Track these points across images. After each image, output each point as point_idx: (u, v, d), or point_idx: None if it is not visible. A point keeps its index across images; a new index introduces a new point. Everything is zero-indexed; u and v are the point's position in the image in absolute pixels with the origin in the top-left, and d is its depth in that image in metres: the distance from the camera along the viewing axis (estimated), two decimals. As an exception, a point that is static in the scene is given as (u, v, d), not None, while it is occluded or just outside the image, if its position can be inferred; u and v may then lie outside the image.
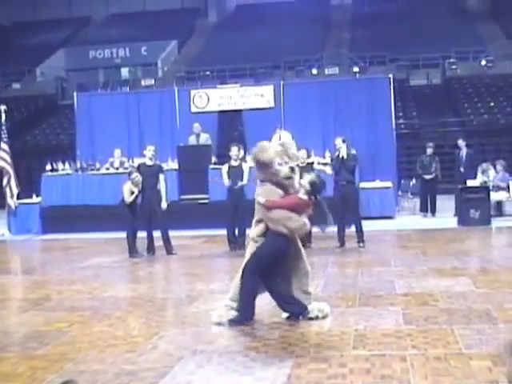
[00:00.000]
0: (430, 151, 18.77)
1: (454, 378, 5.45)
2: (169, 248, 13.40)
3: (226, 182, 13.31)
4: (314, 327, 7.25)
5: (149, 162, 13.47)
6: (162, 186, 13.34)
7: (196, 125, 19.22)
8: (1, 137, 18.72)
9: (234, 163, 13.43)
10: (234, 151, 13.47)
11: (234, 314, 7.48)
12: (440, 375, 5.52)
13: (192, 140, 19.16)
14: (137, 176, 13.06)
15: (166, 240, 13.41)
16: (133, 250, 13.09)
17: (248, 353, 6.39)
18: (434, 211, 18.34)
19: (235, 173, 13.32)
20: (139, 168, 13.53)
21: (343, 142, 13.34)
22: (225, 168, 13.52)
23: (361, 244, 13.09)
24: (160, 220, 13.32)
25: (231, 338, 6.98)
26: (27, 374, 6.06)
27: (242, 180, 13.29)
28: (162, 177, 13.41)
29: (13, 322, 8.43)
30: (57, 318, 8.24)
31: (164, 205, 13.26)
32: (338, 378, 5.56)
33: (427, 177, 18.36)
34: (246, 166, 13.41)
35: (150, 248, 13.37)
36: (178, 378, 5.77)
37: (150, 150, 13.51)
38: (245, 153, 18.46)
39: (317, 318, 7.47)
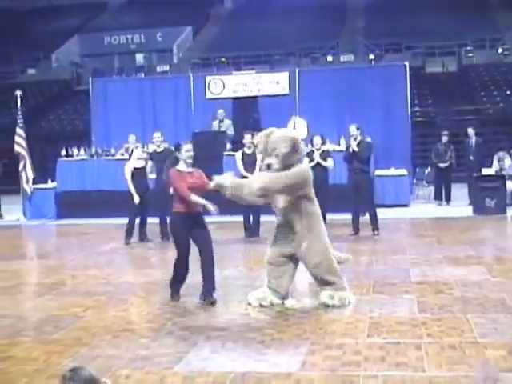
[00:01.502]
0: (445, 139, 18.66)
1: (469, 366, 5.44)
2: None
3: (242, 169, 13.29)
4: (329, 314, 7.25)
5: (158, 149, 13.64)
6: None
7: (220, 111, 19.25)
8: (16, 122, 18.76)
9: (247, 151, 13.41)
10: (248, 139, 13.46)
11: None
12: (455, 364, 5.52)
13: (215, 125, 19.23)
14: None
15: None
16: (128, 238, 13.16)
17: (263, 339, 6.40)
18: (448, 199, 18.26)
19: (249, 160, 13.30)
20: (151, 156, 13.69)
21: (357, 129, 13.30)
22: (238, 155, 13.52)
23: (375, 232, 13.06)
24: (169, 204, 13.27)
25: (245, 325, 6.98)
26: (42, 359, 6.09)
27: (255, 167, 13.27)
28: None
29: (28, 306, 8.48)
30: (71, 302, 8.28)
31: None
32: (353, 366, 5.56)
33: (442, 165, 18.26)
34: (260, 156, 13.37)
35: (164, 233, 13.37)
36: (193, 364, 5.78)
37: (156, 137, 13.77)
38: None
39: (333, 306, 7.49)
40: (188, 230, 8.12)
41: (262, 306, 7.65)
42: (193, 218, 8.14)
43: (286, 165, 7.53)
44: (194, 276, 8.15)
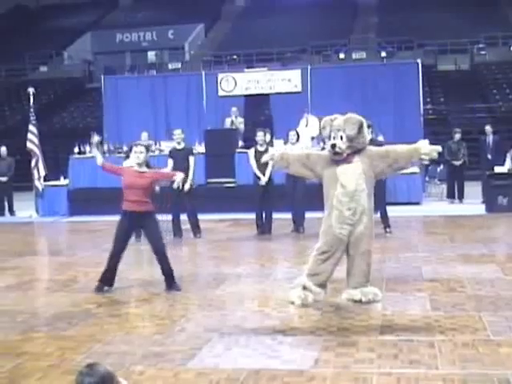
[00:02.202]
0: (457, 137, 18.60)
1: (482, 364, 5.43)
2: (196, 231, 13.43)
3: (255, 166, 13.30)
4: (341, 312, 7.25)
5: (178, 146, 13.48)
6: (190, 167, 13.25)
7: (234, 108, 19.30)
8: (29, 119, 18.82)
9: (260, 148, 13.39)
10: (260, 136, 13.43)
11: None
12: (468, 361, 5.50)
13: (228, 122, 19.26)
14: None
15: (194, 223, 13.46)
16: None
17: (275, 336, 6.40)
18: (461, 197, 18.21)
19: (261, 158, 13.27)
20: (170, 153, 13.56)
21: (368, 127, 13.26)
22: (251, 152, 13.52)
23: (387, 229, 13.02)
24: (190, 203, 13.37)
25: (258, 321, 6.98)
26: (56, 354, 6.11)
27: (267, 164, 13.29)
28: (191, 159, 13.36)
29: (41, 302, 8.52)
30: (84, 299, 8.31)
31: (187, 186, 13.08)
32: (366, 363, 5.56)
33: (456, 163, 18.20)
34: (272, 151, 13.37)
35: (177, 231, 13.41)
36: (206, 360, 5.79)
37: (177, 134, 13.54)
38: (271, 137, 18.49)
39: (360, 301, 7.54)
40: (132, 228, 8.77)
41: (303, 304, 7.54)
42: (136, 217, 8.50)
43: (351, 146, 7.53)
44: (200, 273, 8.16)
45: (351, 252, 7.63)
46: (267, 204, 13.43)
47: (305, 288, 7.63)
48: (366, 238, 7.58)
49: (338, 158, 7.51)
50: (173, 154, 13.47)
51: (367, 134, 7.82)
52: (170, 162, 13.33)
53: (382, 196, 13.52)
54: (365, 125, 7.65)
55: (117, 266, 8.72)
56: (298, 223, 13.48)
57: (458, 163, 18.22)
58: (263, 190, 13.32)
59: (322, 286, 7.68)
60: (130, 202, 8.51)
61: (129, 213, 8.53)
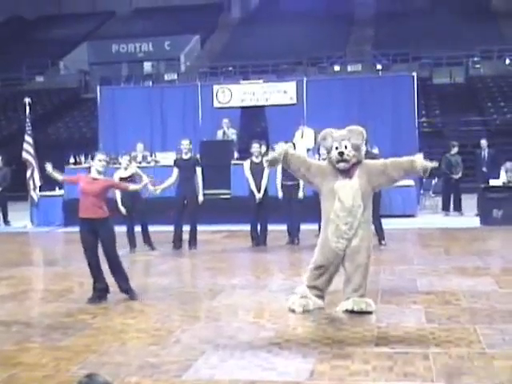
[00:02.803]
0: (455, 150, 18.62)
1: (477, 377, 5.45)
2: (193, 243, 13.38)
3: (251, 179, 13.33)
4: (336, 324, 7.26)
5: (185, 156, 13.42)
6: (199, 179, 13.29)
7: (225, 120, 19.28)
8: (25, 129, 18.82)
9: (255, 160, 13.43)
10: (256, 148, 13.47)
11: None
12: (463, 374, 5.52)
13: (220, 134, 19.23)
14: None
15: (194, 235, 13.40)
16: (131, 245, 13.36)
17: (271, 348, 6.40)
18: (459, 209, 18.20)
19: (257, 169, 13.33)
20: (176, 162, 13.52)
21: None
22: (247, 164, 13.55)
23: (382, 242, 13.03)
24: (192, 214, 13.33)
25: (254, 333, 6.98)
26: (51, 365, 6.11)
27: (262, 176, 13.31)
28: (198, 170, 13.35)
29: (36, 312, 8.51)
30: (80, 309, 8.31)
31: (201, 198, 13.26)
32: (361, 375, 5.57)
33: (454, 176, 18.20)
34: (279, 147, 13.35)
35: (177, 241, 13.37)
36: (201, 372, 5.80)
37: (184, 144, 13.47)
38: (267, 149, 18.50)
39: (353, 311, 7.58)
40: (90, 234, 8.75)
41: (305, 311, 7.67)
42: (91, 223, 8.69)
43: (356, 156, 7.64)
44: (196, 284, 8.15)
45: (347, 264, 7.69)
46: (262, 216, 13.45)
47: (305, 297, 7.73)
48: (362, 250, 7.63)
49: (344, 167, 7.59)
50: (178, 163, 13.43)
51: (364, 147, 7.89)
52: (175, 171, 13.32)
53: (376, 209, 13.55)
54: (365, 137, 7.77)
55: (100, 274, 8.83)
56: (293, 235, 13.51)
57: (456, 177, 18.25)
58: (258, 202, 13.35)
59: (320, 297, 7.83)
60: (84, 208, 8.73)
61: (83, 220, 8.77)
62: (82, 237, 8.82)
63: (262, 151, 13.76)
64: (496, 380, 5.36)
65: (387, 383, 5.37)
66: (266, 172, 13.27)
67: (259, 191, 13.32)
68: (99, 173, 8.89)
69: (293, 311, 7.71)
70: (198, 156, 14.53)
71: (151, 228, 13.56)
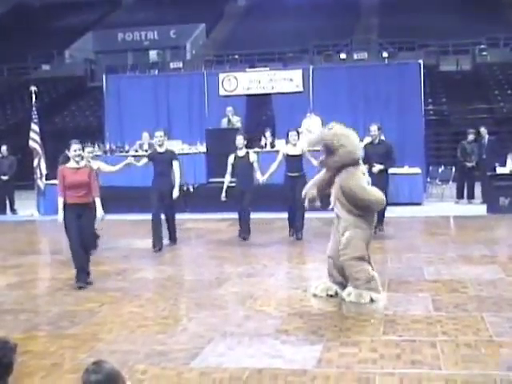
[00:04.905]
0: (471, 137, 18.51)
1: (485, 364, 5.45)
2: (173, 236, 12.80)
3: (228, 172, 13.12)
4: (344, 312, 7.27)
5: (160, 149, 12.55)
6: (176, 173, 12.42)
7: (229, 108, 19.21)
8: (31, 118, 18.82)
9: (239, 153, 13.07)
10: (240, 140, 13.08)
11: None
12: (470, 362, 5.53)
13: (224, 122, 19.16)
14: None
15: (172, 228, 12.78)
16: None
17: (278, 336, 6.41)
18: (473, 197, 18.13)
19: (240, 163, 13.02)
20: (150, 156, 12.76)
21: (379, 129, 13.26)
22: (231, 158, 13.14)
23: (379, 228, 12.75)
24: (168, 208, 12.56)
25: (261, 321, 6.99)
26: (59, 353, 6.13)
27: (248, 171, 13.02)
28: (175, 164, 12.46)
29: (44, 301, 8.54)
30: (87, 298, 8.33)
31: (175, 193, 12.34)
32: (369, 363, 5.57)
33: (468, 164, 18.14)
34: (253, 157, 13.11)
35: (157, 241, 12.80)
36: (209, 360, 5.81)
37: (158, 136, 12.57)
38: (273, 137, 18.48)
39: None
40: (73, 220, 9.12)
41: (328, 295, 7.90)
42: (75, 207, 9.12)
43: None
44: (202, 273, 8.13)
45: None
46: (247, 207, 13.18)
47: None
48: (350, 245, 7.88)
49: None
50: (153, 156, 12.62)
51: None
52: (145, 161, 12.74)
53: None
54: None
55: (83, 258, 9.19)
56: (297, 230, 12.88)
57: (469, 165, 18.17)
58: (240, 193, 13.06)
59: (340, 283, 7.99)
60: (70, 195, 9.15)
61: (69, 205, 9.15)
62: (66, 221, 9.24)
63: (269, 140, 13.53)
64: (503, 367, 5.36)
65: (395, 371, 5.37)
66: (256, 166, 12.98)
67: (244, 185, 12.97)
68: (77, 162, 9.20)
69: (314, 296, 7.91)
70: (172, 149, 13.56)
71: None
